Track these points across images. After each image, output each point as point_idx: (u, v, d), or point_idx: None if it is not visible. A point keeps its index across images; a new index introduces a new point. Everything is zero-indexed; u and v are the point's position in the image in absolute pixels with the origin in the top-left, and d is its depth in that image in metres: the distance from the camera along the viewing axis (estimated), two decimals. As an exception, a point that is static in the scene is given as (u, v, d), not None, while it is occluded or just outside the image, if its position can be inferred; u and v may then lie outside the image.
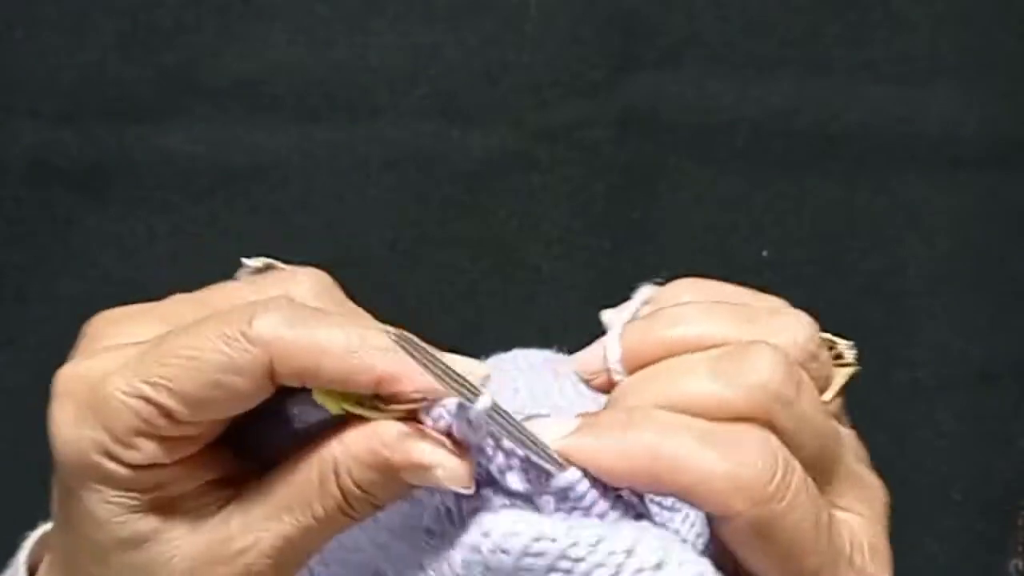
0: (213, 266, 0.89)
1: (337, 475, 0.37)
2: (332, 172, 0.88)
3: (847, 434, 0.41)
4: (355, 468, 0.37)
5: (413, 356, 0.36)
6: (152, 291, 0.45)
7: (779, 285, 0.92)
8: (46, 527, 0.45)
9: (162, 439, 0.36)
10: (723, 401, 0.36)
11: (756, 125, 0.89)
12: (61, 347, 0.43)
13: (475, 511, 0.37)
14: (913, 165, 0.90)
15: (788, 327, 0.39)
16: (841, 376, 0.40)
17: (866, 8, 0.89)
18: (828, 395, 0.39)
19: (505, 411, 0.36)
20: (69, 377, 0.38)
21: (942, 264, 0.91)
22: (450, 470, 0.36)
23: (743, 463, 0.35)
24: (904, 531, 0.44)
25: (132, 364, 0.37)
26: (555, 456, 0.36)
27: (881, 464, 0.46)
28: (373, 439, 0.36)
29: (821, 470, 0.37)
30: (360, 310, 0.41)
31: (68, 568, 0.39)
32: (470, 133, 0.89)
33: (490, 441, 0.37)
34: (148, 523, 0.37)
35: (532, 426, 0.37)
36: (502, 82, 0.89)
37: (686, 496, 0.35)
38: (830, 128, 0.90)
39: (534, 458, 0.36)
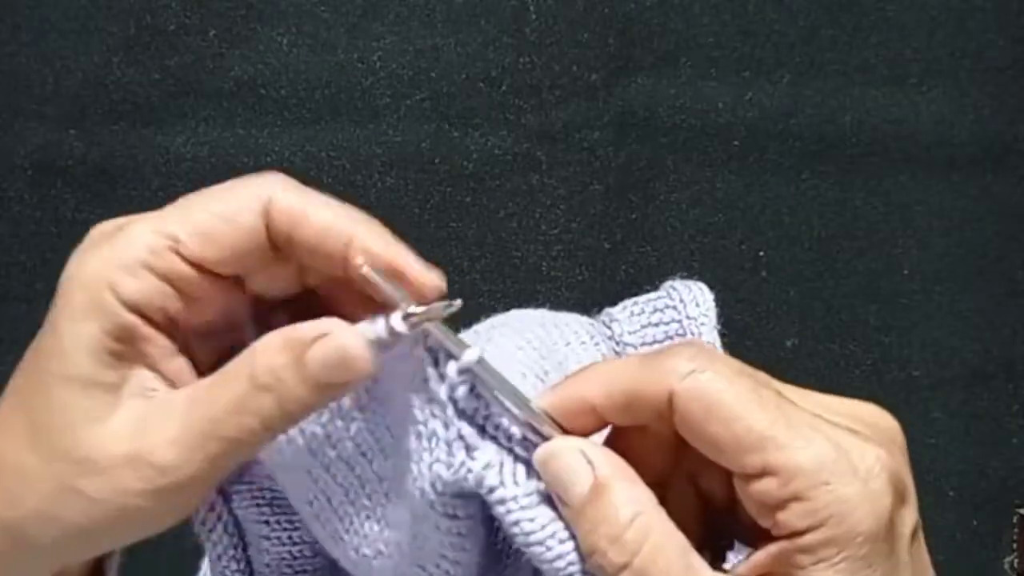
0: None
1: (254, 354, 0.39)
2: (334, 173, 0.89)
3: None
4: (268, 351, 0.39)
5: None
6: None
7: (775, 285, 0.93)
8: None
9: (162, 276, 0.39)
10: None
11: (752, 127, 0.90)
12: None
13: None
14: (907, 167, 0.91)
15: None
16: None
17: (861, 12, 0.90)
18: None
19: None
20: (102, 227, 0.41)
21: (936, 264, 0.92)
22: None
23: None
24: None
25: (155, 216, 0.41)
26: (535, 412, 0.38)
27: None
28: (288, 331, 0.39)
29: None
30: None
31: (16, 403, 0.41)
32: (470, 135, 0.90)
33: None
34: (109, 374, 0.39)
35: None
36: (502, 85, 0.89)
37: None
38: (825, 130, 0.90)
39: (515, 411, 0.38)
